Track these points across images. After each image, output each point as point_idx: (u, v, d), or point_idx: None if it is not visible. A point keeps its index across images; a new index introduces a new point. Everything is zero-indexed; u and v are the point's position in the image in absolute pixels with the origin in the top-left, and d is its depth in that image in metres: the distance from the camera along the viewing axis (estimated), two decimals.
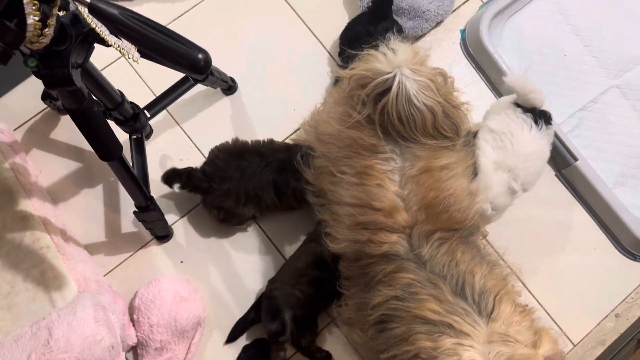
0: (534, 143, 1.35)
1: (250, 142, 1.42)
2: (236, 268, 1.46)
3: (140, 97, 1.39)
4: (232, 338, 1.40)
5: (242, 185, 1.35)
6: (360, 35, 1.46)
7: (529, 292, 1.48)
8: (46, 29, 0.78)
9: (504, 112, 1.37)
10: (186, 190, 1.41)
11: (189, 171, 1.39)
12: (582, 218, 1.55)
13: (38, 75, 0.88)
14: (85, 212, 1.46)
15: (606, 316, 1.49)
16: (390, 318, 0.98)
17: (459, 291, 0.96)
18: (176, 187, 1.42)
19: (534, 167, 1.36)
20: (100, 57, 1.47)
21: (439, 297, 0.95)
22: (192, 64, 0.70)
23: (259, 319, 1.38)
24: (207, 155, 1.43)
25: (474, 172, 1.29)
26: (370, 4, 1.52)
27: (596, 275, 1.52)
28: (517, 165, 1.32)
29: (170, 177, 1.39)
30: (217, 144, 1.42)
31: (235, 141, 1.42)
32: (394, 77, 1.04)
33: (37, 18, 0.76)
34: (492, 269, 1.05)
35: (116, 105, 1.14)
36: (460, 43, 1.64)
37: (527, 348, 0.86)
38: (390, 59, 1.08)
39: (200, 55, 0.70)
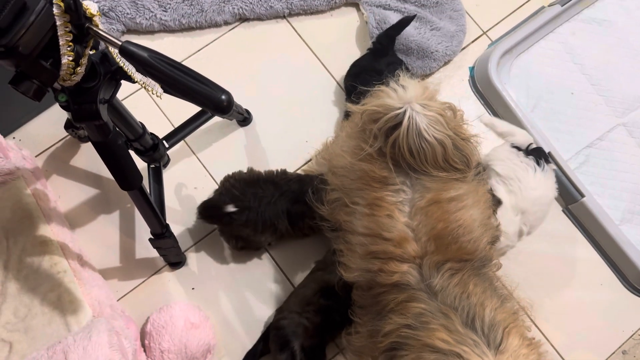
0: (541, 186, 1.39)
1: (263, 172, 1.46)
2: (246, 296, 1.48)
3: (159, 127, 1.44)
4: None
5: (259, 215, 1.38)
6: (363, 70, 1.52)
7: (536, 327, 1.49)
8: (78, 68, 0.83)
9: (506, 157, 1.42)
10: (206, 220, 1.44)
11: (213, 203, 1.41)
12: (589, 254, 1.56)
13: (67, 110, 0.93)
14: (101, 238, 1.50)
15: (613, 353, 1.49)
16: (401, 346, 0.99)
17: (469, 323, 0.97)
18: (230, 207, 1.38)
19: (541, 212, 1.41)
20: (121, 88, 1.53)
21: (449, 328, 0.96)
22: (216, 105, 0.74)
23: (268, 350, 1.39)
24: (223, 178, 1.46)
25: (494, 203, 1.33)
26: (372, 43, 1.59)
27: (603, 311, 1.52)
28: (527, 210, 1.37)
29: (213, 209, 1.40)
30: (230, 173, 1.46)
31: (250, 171, 1.46)
32: (405, 112, 1.08)
33: (71, 58, 0.80)
34: (503, 303, 1.06)
35: (137, 136, 1.18)
36: (469, 80, 1.68)
37: None
38: (401, 94, 1.11)
39: (223, 97, 0.74)
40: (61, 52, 0.78)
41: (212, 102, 0.73)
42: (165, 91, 1.00)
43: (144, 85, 0.96)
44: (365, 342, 1.15)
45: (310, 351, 1.33)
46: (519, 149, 1.43)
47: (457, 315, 0.98)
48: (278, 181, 1.43)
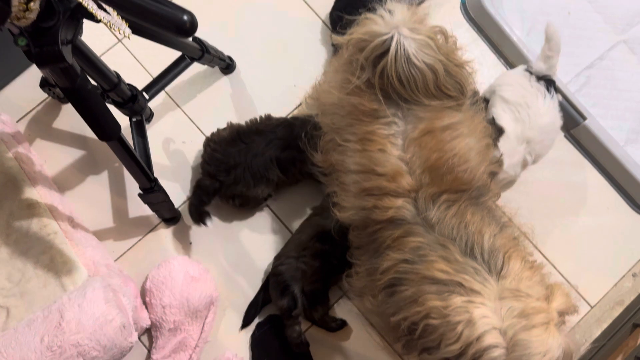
0: (549, 113, 1.34)
1: (245, 123, 1.40)
2: (245, 246, 1.45)
3: (139, 80, 1.37)
4: (246, 322, 1.40)
5: (247, 169, 1.34)
6: (348, 4, 1.44)
7: (543, 256, 1.46)
8: (31, 3, 0.77)
9: (517, 82, 1.36)
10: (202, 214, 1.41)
11: (200, 186, 1.38)
12: (593, 178, 1.52)
13: (29, 55, 0.87)
14: (91, 199, 1.47)
15: (623, 276, 1.47)
16: (400, 281, 0.97)
17: (468, 251, 0.95)
18: (209, 224, 1.41)
19: (548, 140, 1.37)
20: (96, 44, 1.46)
21: (448, 258, 0.94)
22: (178, 26, 0.69)
23: (270, 299, 1.38)
24: (204, 143, 1.42)
25: (495, 132, 1.28)
26: None
27: (611, 235, 1.49)
28: (533, 138, 1.32)
29: (201, 213, 1.39)
30: (209, 135, 1.41)
31: (230, 127, 1.41)
32: (392, 37, 1.02)
33: None
34: (503, 229, 1.03)
35: (113, 86, 1.13)
36: (460, 7, 1.61)
37: (539, 302, 0.85)
38: (388, 20, 1.06)
39: (185, 17, 0.69)
40: None
41: (173, 23, 0.68)
42: (133, 31, 0.94)
43: (108, 24, 0.90)
44: (365, 282, 1.13)
45: (311, 295, 1.31)
46: (531, 73, 1.36)
47: (456, 245, 0.96)
48: (263, 129, 1.38)
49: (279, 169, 1.37)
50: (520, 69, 1.40)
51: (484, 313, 0.84)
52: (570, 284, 1.44)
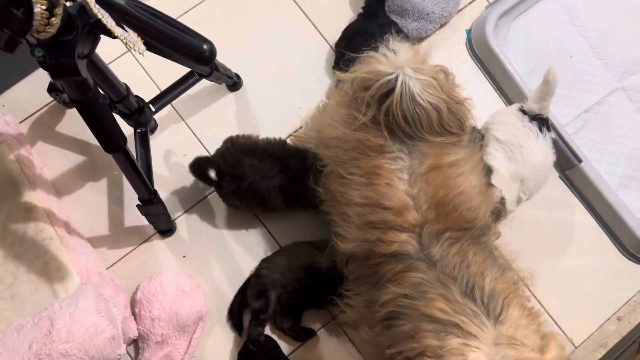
0: (541, 152, 1.36)
1: (261, 140, 1.40)
2: (238, 264, 1.46)
3: (145, 91, 1.39)
4: (236, 326, 1.41)
5: (250, 187, 1.34)
6: (355, 33, 1.48)
7: (534, 296, 1.47)
8: (53, 19, 0.78)
9: (509, 121, 1.38)
10: (200, 179, 1.42)
11: (212, 162, 1.38)
12: (585, 220, 1.54)
13: (44, 66, 0.88)
14: (89, 206, 1.46)
15: (608, 319, 1.49)
16: (398, 315, 0.98)
17: (469, 292, 0.95)
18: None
19: (541, 178, 1.39)
20: (106, 51, 1.47)
21: (448, 297, 0.94)
22: (198, 55, 0.70)
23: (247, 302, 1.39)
24: (211, 150, 1.44)
25: (485, 171, 1.30)
26: (362, 8, 1.56)
27: (599, 277, 1.51)
28: (527, 177, 1.34)
29: (203, 166, 1.37)
30: (231, 136, 1.40)
31: (250, 137, 1.40)
32: (397, 77, 1.04)
33: (44, 7, 0.76)
34: (504, 273, 1.04)
35: (121, 98, 1.14)
36: (465, 43, 1.63)
37: (534, 352, 0.85)
38: (392, 59, 1.08)
39: (205, 46, 0.70)
40: (32, 0, 0.73)
41: (194, 51, 0.69)
42: (148, 48, 0.95)
43: (125, 42, 0.91)
44: (362, 312, 1.13)
45: (286, 307, 1.33)
46: (524, 113, 1.39)
47: (456, 285, 0.96)
48: (278, 154, 1.37)
49: (282, 199, 1.37)
50: (514, 107, 1.42)
51: (479, 357, 0.84)
52: (559, 327, 1.45)
